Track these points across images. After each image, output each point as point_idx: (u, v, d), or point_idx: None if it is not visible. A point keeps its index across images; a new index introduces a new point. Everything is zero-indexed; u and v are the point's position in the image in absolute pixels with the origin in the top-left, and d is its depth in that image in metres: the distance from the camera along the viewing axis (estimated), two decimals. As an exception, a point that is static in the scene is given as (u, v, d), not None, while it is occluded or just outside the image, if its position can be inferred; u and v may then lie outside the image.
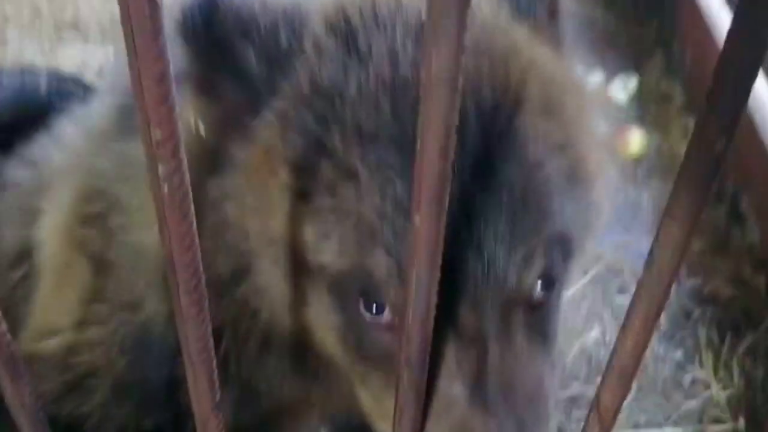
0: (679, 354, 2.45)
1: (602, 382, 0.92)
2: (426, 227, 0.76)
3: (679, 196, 0.76)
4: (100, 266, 1.40)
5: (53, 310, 1.49)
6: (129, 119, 1.37)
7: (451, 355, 1.06)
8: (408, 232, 0.77)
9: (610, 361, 0.90)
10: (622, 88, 3.27)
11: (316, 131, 1.07)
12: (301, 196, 1.09)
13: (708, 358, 2.42)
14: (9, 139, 1.99)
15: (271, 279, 1.17)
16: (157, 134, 0.70)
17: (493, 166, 1.05)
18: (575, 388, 2.36)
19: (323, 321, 1.16)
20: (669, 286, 0.84)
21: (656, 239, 0.80)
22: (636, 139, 3.03)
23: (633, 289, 2.56)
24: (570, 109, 1.17)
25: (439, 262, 0.80)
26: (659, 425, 2.28)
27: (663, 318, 2.46)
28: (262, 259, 1.17)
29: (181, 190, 0.74)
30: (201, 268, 0.82)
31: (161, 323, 1.32)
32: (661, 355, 2.45)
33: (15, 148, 1.91)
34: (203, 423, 0.98)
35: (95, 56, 3.31)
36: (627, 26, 3.57)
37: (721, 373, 2.36)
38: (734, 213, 2.80)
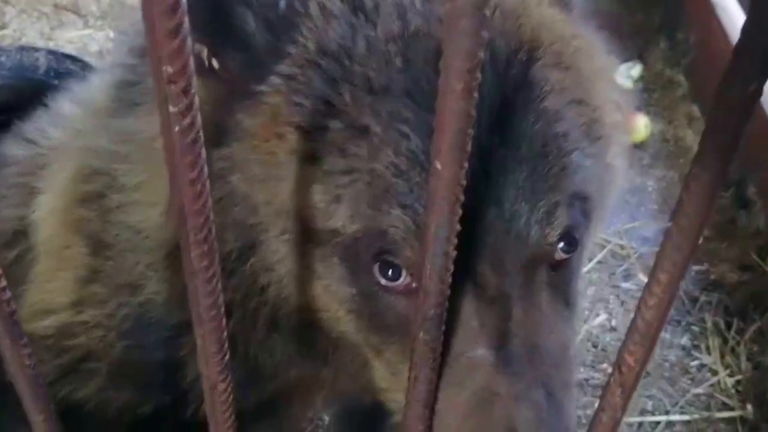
0: (685, 340, 2.43)
1: (625, 341, 0.88)
2: (447, 174, 0.73)
3: (708, 142, 0.73)
4: (98, 247, 1.37)
5: (49, 290, 1.45)
6: (128, 94, 1.34)
7: (472, 315, 1.02)
8: (424, 188, 0.74)
9: (634, 319, 0.87)
10: (626, 76, 3.25)
11: (324, 92, 1.05)
12: (310, 159, 1.06)
13: (715, 344, 2.40)
14: (7, 116, 1.96)
15: (279, 253, 1.14)
16: (168, 70, 0.67)
17: (511, 118, 1.02)
18: (581, 374, 2.33)
19: (334, 294, 1.13)
20: (697, 238, 0.81)
21: (685, 187, 0.76)
22: (640, 126, 3.01)
23: (639, 275, 2.55)
24: (584, 68, 1.15)
25: (459, 211, 0.77)
26: (666, 412, 2.25)
27: (669, 303, 2.44)
28: (270, 233, 1.13)
29: (192, 131, 0.71)
30: (212, 218, 0.78)
31: (161, 304, 1.29)
32: (667, 341, 2.42)
33: (12, 126, 1.88)
34: (211, 387, 0.95)
35: (95, 39, 3.28)
36: (631, 14, 3.54)
37: (728, 359, 2.34)
38: (740, 198, 2.77)
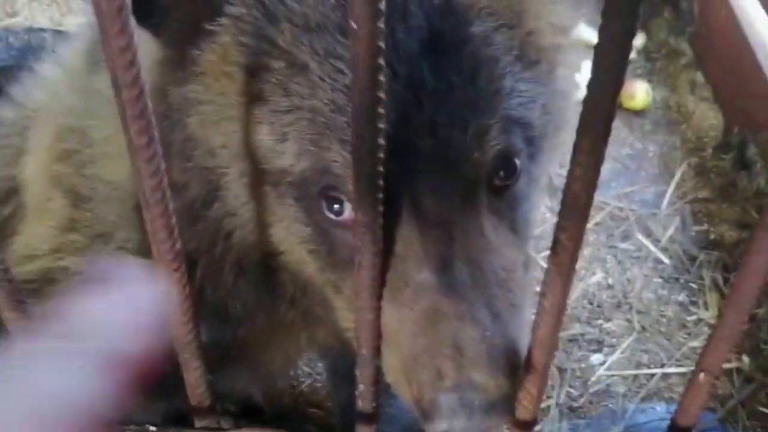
0: (683, 296, 2.43)
1: (558, 221, 0.90)
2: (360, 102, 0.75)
3: None
4: (77, 199, 1.41)
5: (33, 237, 1.51)
6: (97, 54, 1.39)
7: (415, 241, 1.04)
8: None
9: (564, 196, 0.87)
10: (629, 45, 3.25)
11: (267, 31, 1.07)
12: (257, 99, 1.09)
13: (712, 299, 2.40)
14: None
15: (240, 197, 1.17)
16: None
17: (439, 44, 1.04)
18: (576, 329, 2.34)
19: (294, 235, 1.16)
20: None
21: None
22: (641, 93, 3.01)
23: (637, 235, 2.55)
24: None
25: (382, 142, 0.80)
26: (662, 365, 2.25)
27: (667, 262, 2.45)
28: (229, 177, 1.16)
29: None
30: (146, 90, 0.81)
31: (132, 251, 1.33)
32: (665, 297, 2.43)
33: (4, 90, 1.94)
34: (165, 273, 0.98)
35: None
36: (634, -15, 3.55)
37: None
38: (741, 161, 2.77)
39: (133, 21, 0.77)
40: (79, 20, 3.38)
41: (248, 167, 1.13)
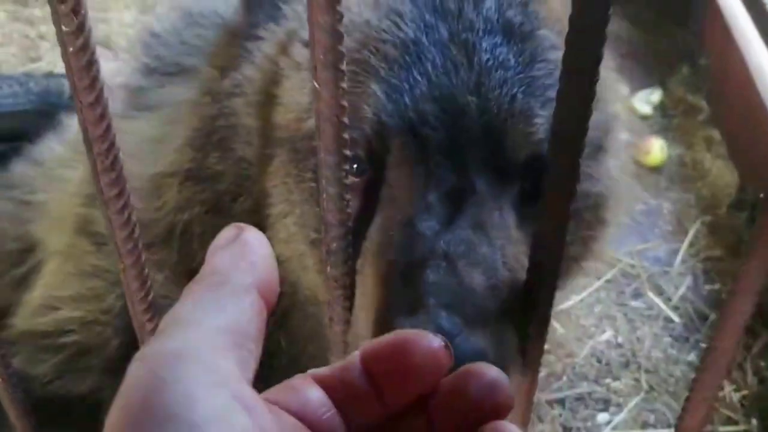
0: (692, 356, 2.38)
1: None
2: (326, 94, 0.76)
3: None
4: (101, 243, 1.43)
5: (53, 284, 1.51)
6: (138, 101, 1.51)
7: (420, 189, 1.03)
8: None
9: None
10: (646, 101, 3.25)
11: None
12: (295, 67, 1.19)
13: (722, 360, 2.35)
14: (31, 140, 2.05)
15: (264, 189, 1.22)
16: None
17: (503, 28, 1.10)
18: (584, 387, 2.31)
19: (302, 226, 1.19)
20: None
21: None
22: (656, 149, 3.00)
23: (648, 294, 2.53)
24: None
25: (345, 137, 0.80)
26: (668, 425, 2.21)
27: (677, 320, 2.41)
28: (259, 166, 1.22)
29: (86, 52, 0.76)
30: (117, 144, 0.82)
31: (157, 292, 1.33)
32: (673, 357, 2.39)
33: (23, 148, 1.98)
34: (138, 327, 0.99)
35: (121, 71, 3.39)
36: (653, 39, 3.55)
37: (735, 374, 2.29)
38: (755, 219, 2.73)
39: (102, 76, 0.78)
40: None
41: (276, 149, 1.19)
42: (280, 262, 1.20)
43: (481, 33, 1.07)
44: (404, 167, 1.05)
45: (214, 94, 1.30)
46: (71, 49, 0.75)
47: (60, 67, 3.40)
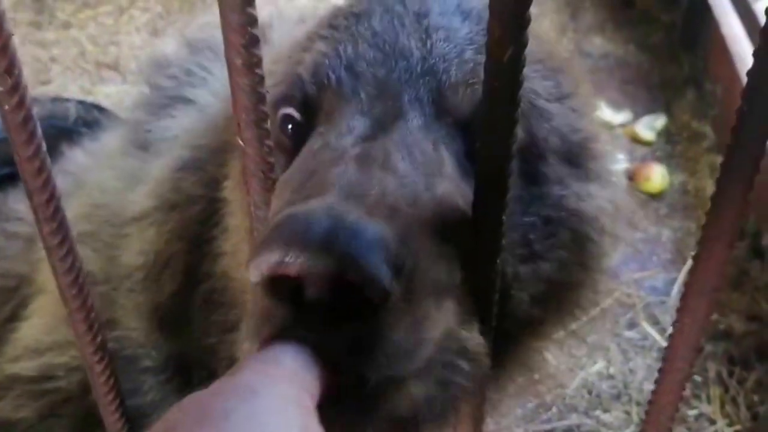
0: (686, 390, 2.36)
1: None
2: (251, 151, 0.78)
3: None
4: (89, 283, 1.44)
5: (38, 329, 1.50)
6: (135, 137, 1.51)
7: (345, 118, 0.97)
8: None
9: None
10: (649, 127, 3.24)
11: None
12: None
13: (716, 393, 2.33)
14: None
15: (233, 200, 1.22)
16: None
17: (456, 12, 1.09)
18: (573, 419, 2.30)
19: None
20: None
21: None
22: (657, 176, 2.99)
23: (643, 324, 2.50)
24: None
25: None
26: (659, 459, 2.19)
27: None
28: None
29: (21, 110, 0.78)
30: (57, 194, 0.85)
31: (136, 340, 1.35)
32: (667, 389, 2.37)
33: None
34: (89, 367, 1.01)
35: (131, 94, 3.44)
36: (659, 64, 3.54)
37: (728, 408, 2.27)
38: (754, 249, 2.71)
39: (39, 130, 0.81)
40: (108, 89, 3.50)
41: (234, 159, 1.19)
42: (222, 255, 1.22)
43: (437, 9, 1.07)
44: (335, 101, 1.00)
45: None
46: (7, 107, 0.77)
47: (69, 91, 3.47)
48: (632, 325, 2.56)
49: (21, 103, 0.77)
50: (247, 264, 0.74)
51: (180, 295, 1.28)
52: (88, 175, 1.55)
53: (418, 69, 1.00)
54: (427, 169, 0.90)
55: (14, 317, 1.60)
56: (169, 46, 1.77)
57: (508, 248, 0.88)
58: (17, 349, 1.51)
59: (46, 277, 1.55)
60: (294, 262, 0.70)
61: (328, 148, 0.91)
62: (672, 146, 3.24)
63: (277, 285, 0.73)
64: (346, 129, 0.93)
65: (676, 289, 2.65)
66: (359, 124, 0.94)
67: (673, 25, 3.74)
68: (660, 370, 0.89)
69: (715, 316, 2.56)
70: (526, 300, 1.04)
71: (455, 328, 0.84)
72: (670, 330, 2.42)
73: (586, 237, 1.11)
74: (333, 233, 0.71)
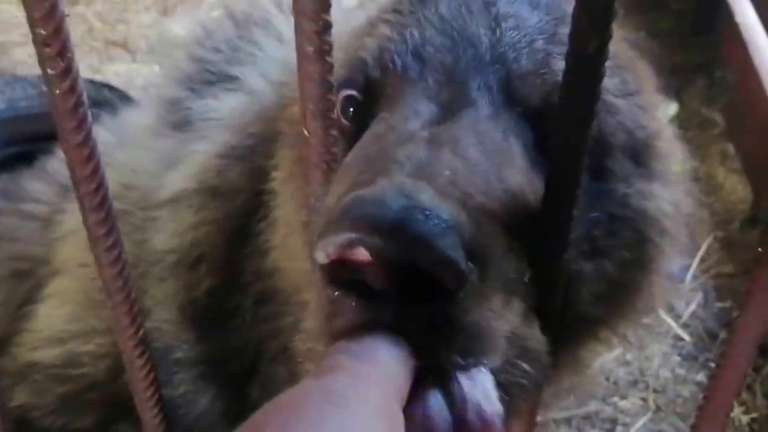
0: (701, 376, 2.36)
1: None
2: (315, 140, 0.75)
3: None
4: None
5: (59, 316, 1.47)
6: (167, 116, 1.48)
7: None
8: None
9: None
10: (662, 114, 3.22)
11: None
12: None
13: (732, 381, 2.32)
14: (48, 143, 2.01)
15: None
16: (41, 32, 0.71)
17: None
18: (591, 406, 2.29)
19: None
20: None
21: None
22: (670, 162, 2.96)
23: (661, 311, 2.45)
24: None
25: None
26: (676, 447, 2.19)
27: (687, 339, 2.39)
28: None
29: (73, 95, 0.75)
30: (105, 183, 0.82)
31: (168, 333, 1.32)
32: (682, 377, 2.36)
33: (36, 159, 1.94)
34: (128, 362, 0.98)
35: (141, 73, 3.39)
36: (669, 51, 3.51)
37: (744, 396, 2.26)
38: (769, 237, 2.70)
39: (89, 116, 0.78)
40: (117, 68, 3.45)
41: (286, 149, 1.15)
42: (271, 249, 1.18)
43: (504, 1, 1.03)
44: (400, 86, 0.96)
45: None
46: (57, 91, 0.74)
47: (79, 70, 3.42)
48: (649, 311, 2.54)
49: (72, 88, 0.74)
50: (312, 246, 0.71)
51: (219, 292, 1.25)
52: (115, 154, 1.49)
53: (487, 57, 0.97)
54: (498, 159, 0.87)
55: (29, 300, 1.57)
56: (178, 25, 1.71)
57: (572, 244, 0.85)
58: (34, 338, 1.47)
59: (64, 257, 1.52)
60: (365, 244, 0.66)
61: (393, 131, 0.88)
62: (682, 133, 3.21)
63: (342, 271, 0.70)
64: (412, 114, 0.90)
65: (690, 276, 2.63)
66: (426, 110, 0.90)
67: (685, 12, 3.70)
68: (718, 366, 0.86)
69: (728, 303, 2.55)
70: (587, 298, 1.01)
71: (519, 327, 0.81)
72: (684, 317, 2.40)
73: (647, 238, 1.08)
74: (405, 214, 0.68)
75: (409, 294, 0.69)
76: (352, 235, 0.66)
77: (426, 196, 0.71)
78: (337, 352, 0.67)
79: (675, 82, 3.37)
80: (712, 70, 3.35)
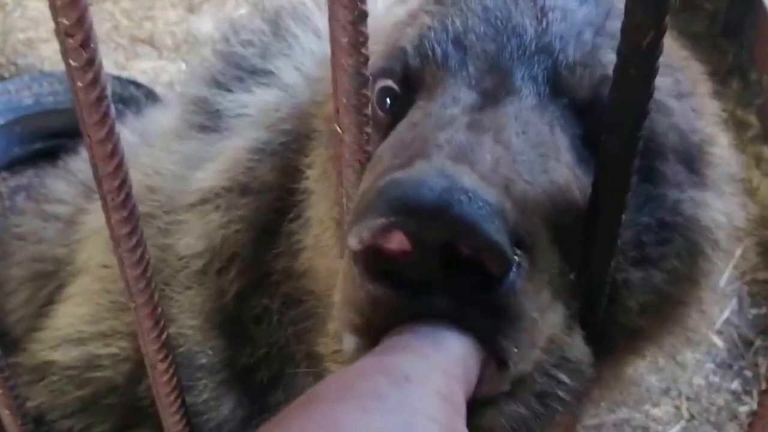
0: (736, 384, 2.30)
1: None
2: (348, 138, 0.71)
3: None
4: None
5: (79, 316, 1.44)
6: (192, 119, 1.44)
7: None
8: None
9: None
10: (695, 116, 3.16)
11: None
12: None
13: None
14: (72, 139, 1.99)
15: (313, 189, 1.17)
16: (64, 21, 0.68)
17: None
18: (622, 413, 2.24)
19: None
20: None
21: None
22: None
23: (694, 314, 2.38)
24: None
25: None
26: (710, 457, 2.13)
27: (721, 346, 2.33)
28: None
29: (96, 88, 0.72)
30: (129, 181, 0.79)
31: (193, 339, 1.28)
32: (716, 384, 2.30)
33: (60, 159, 1.92)
34: (151, 366, 0.95)
35: (167, 70, 3.38)
36: (703, 52, 3.44)
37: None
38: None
39: (113, 111, 0.74)
40: (144, 65, 3.44)
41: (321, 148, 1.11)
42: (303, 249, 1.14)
43: None
44: (440, 75, 0.92)
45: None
46: (80, 84, 0.71)
47: (104, 66, 3.40)
48: (680, 317, 2.49)
49: (95, 80, 0.71)
50: (346, 232, 0.67)
51: (248, 295, 1.21)
52: (138, 155, 1.46)
53: (533, 47, 0.93)
54: (543, 151, 0.83)
55: (51, 301, 1.55)
56: (204, 22, 1.67)
57: (620, 249, 0.80)
58: (54, 337, 1.45)
59: (86, 257, 1.49)
60: (404, 227, 0.62)
61: (431, 117, 0.83)
62: (717, 135, 3.16)
63: (378, 263, 0.66)
64: (452, 101, 0.86)
65: (724, 281, 2.57)
66: (467, 97, 0.86)
67: (717, 13, 3.63)
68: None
69: (763, 310, 2.49)
70: (633, 309, 0.96)
71: (559, 335, 0.77)
72: (718, 323, 2.34)
73: (699, 249, 1.02)
74: (447, 195, 0.63)
75: (449, 284, 0.65)
76: (389, 219, 0.62)
77: (468, 178, 0.66)
78: (399, 333, 0.63)
79: (709, 85, 3.31)
80: (747, 72, 3.28)
